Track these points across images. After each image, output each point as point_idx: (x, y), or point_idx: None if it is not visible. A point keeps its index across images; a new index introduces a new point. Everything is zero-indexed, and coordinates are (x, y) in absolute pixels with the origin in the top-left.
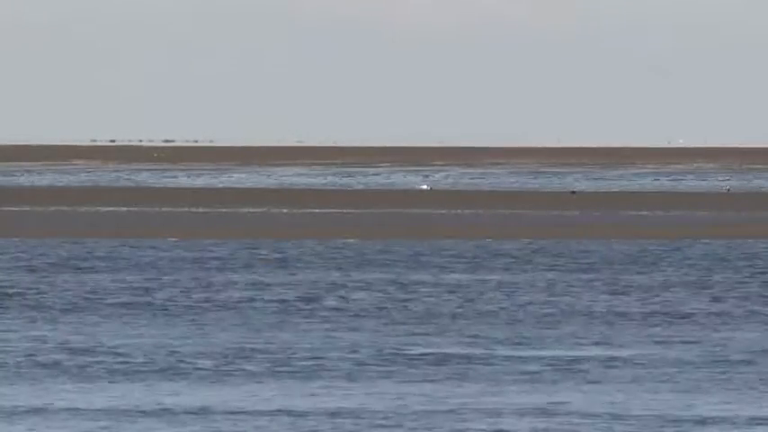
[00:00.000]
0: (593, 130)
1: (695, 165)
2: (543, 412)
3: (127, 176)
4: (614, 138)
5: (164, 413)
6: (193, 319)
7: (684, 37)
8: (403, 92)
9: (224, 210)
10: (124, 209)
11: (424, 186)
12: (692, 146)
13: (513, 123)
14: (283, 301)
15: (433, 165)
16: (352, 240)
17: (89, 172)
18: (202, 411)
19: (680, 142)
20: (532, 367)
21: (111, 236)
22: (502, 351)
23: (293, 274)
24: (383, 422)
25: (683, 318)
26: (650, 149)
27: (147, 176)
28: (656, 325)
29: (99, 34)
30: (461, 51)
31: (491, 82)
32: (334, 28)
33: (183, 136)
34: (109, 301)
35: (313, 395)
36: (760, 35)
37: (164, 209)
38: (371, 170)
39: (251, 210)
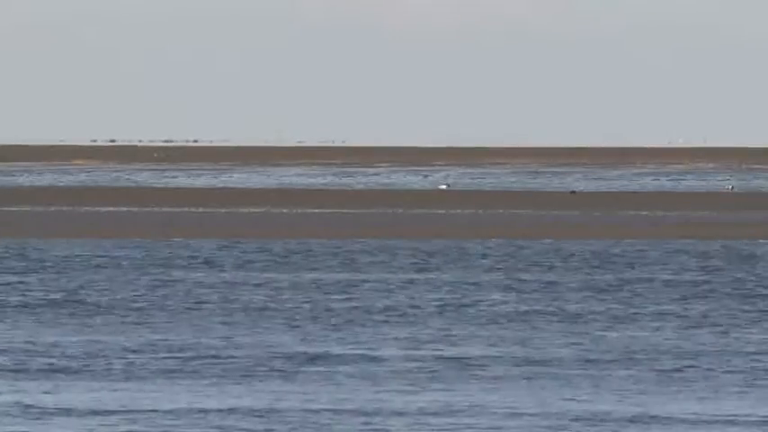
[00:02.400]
0: (593, 130)
1: (695, 165)
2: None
3: (127, 176)
4: (614, 138)
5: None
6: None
7: (684, 37)
8: (403, 92)
9: (224, 210)
10: (124, 209)
11: (443, 186)
12: (692, 146)
13: (513, 123)
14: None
15: (433, 165)
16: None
17: (89, 172)
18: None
19: (679, 142)
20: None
21: (111, 236)
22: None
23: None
24: (255, 421)
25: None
26: (650, 149)
27: (147, 176)
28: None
29: (99, 34)
30: (461, 51)
31: (491, 82)
32: (334, 28)
33: (183, 136)
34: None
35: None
36: (760, 35)
37: (164, 209)
38: (371, 170)
39: (251, 210)
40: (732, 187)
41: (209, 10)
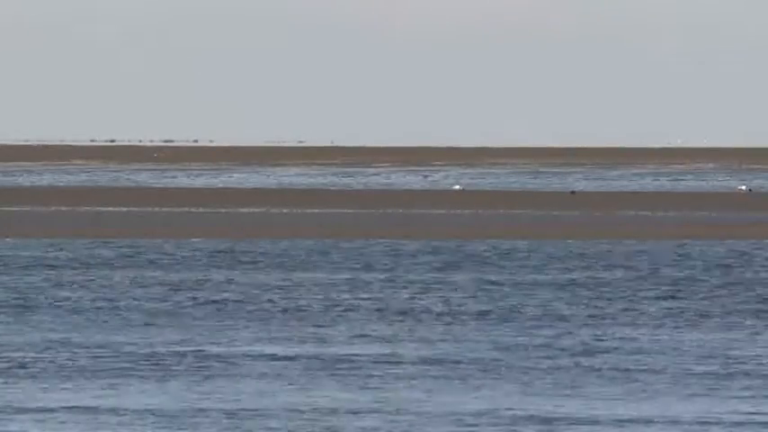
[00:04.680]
0: (594, 130)
1: (695, 165)
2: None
3: (127, 176)
4: (614, 138)
5: None
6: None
7: (685, 37)
8: (403, 92)
9: (224, 210)
10: (124, 209)
11: (457, 186)
12: (692, 146)
13: (513, 123)
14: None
15: (433, 165)
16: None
17: (89, 172)
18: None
19: (678, 142)
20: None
21: (111, 236)
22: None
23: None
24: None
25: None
26: (650, 149)
27: (147, 176)
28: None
29: (99, 34)
30: (461, 51)
31: (491, 82)
32: (333, 28)
33: (183, 136)
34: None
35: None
36: (760, 35)
37: (164, 209)
38: (371, 170)
39: (251, 210)
40: (750, 189)
41: (209, 10)
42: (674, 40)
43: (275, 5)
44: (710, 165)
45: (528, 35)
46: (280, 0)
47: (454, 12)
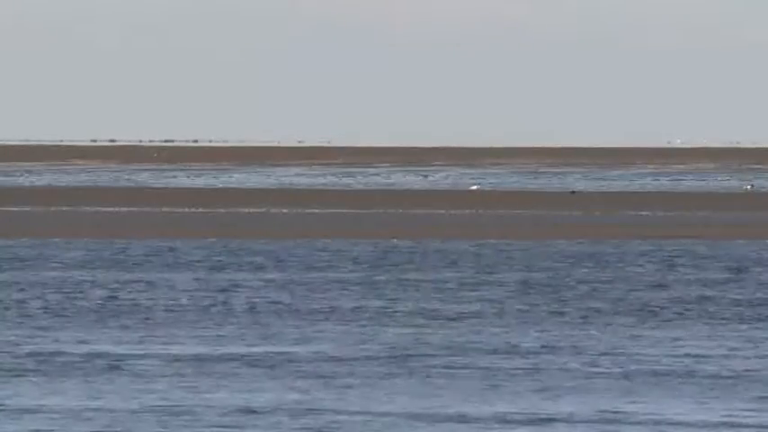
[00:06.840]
0: (593, 130)
1: (695, 165)
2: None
3: (127, 176)
4: (614, 138)
5: None
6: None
7: (684, 37)
8: (402, 92)
9: (224, 210)
10: (124, 209)
11: (474, 187)
12: (692, 146)
13: (513, 123)
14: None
15: (433, 165)
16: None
17: (89, 172)
18: None
19: (678, 142)
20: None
21: (111, 236)
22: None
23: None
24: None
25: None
26: (650, 149)
27: (147, 176)
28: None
29: (99, 34)
30: (461, 51)
31: (491, 82)
32: (333, 28)
33: (183, 136)
34: None
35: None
36: (760, 35)
37: (164, 209)
38: (371, 170)
39: (251, 210)
40: (751, 186)
41: (210, 9)
42: (675, 40)
43: (275, 5)
44: (710, 165)
45: (527, 35)
46: (280, 0)
47: (454, 12)
